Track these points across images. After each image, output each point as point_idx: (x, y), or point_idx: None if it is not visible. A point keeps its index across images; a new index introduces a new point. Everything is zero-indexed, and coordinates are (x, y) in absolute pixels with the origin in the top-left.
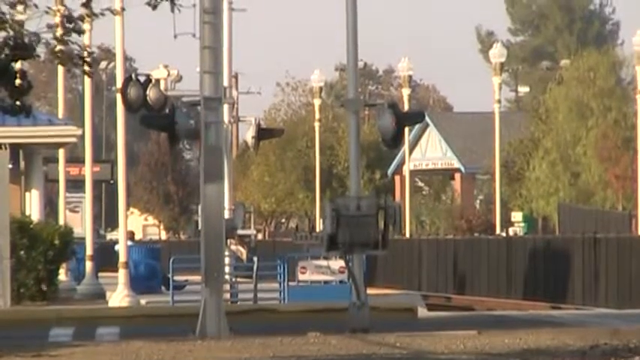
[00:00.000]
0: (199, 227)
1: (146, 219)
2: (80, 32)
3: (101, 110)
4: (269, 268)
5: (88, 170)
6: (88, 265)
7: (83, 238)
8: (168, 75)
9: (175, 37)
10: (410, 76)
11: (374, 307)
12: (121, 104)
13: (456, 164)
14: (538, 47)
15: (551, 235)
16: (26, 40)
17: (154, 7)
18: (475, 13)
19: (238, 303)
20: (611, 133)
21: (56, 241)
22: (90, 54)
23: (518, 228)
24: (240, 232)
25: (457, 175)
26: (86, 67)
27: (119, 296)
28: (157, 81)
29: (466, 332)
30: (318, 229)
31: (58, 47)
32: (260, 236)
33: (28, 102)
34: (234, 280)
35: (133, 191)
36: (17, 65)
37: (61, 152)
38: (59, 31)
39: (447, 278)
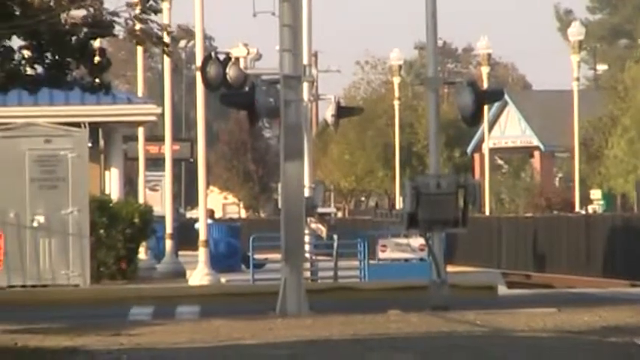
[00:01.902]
0: (279, 205)
1: (226, 197)
2: (157, 11)
3: (180, 89)
4: (349, 246)
5: (167, 149)
6: (168, 243)
7: (163, 217)
8: (248, 53)
9: (255, 15)
10: (489, 55)
11: (454, 285)
12: (201, 83)
13: (535, 142)
14: (616, 25)
15: (630, 213)
16: (105, 17)
17: None
18: None
19: (318, 281)
20: None
21: (136, 220)
22: (169, 33)
23: (597, 206)
24: (320, 210)
25: (536, 153)
26: (164, 47)
27: (199, 275)
28: (237, 59)
29: (546, 310)
30: (397, 207)
31: (138, 26)
32: (340, 214)
33: (107, 80)
34: (314, 258)
35: (212, 170)
36: (96, 43)
37: (141, 131)
38: (137, 10)
39: (526, 256)
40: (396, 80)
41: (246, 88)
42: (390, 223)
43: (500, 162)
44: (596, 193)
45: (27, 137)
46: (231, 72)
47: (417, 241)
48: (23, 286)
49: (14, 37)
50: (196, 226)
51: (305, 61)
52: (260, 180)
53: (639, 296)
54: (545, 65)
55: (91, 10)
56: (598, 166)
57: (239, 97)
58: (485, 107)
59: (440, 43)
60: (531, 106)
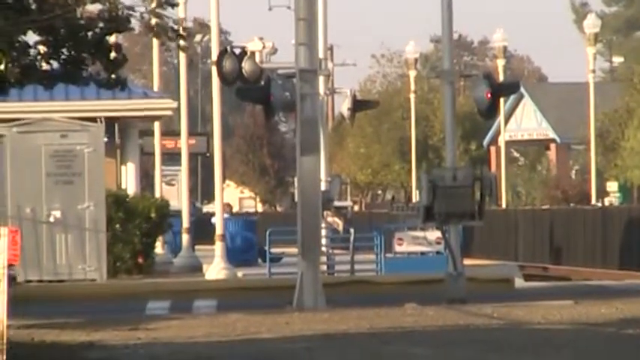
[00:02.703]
0: (295, 199)
1: (242, 192)
2: (173, 5)
3: (196, 83)
4: (365, 240)
5: (183, 143)
6: (185, 237)
7: (179, 211)
8: (264, 47)
9: (270, 9)
10: (505, 47)
11: (471, 278)
12: (217, 77)
13: (551, 135)
14: (632, 17)
15: None
16: (120, 12)
17: None
18: None
19: (335, 275)
20: None
21: (152, 214)
22: (185, 29)
23: (613, 198)
24: (336, 203)
25: (552, 146)
26: (181, 42)
27: (216, 269)
28: (252, 53)
29: (563, 302)
30: (414, 201)
31: (154, 20)
32: (356, 208)
33: (123, 75)
34: (330, 251)
35: (228, 164)
36: (112, 38)
37: (157, 125)
38: (153, 4)
39: (543, 248)
40: (412, 73)
41: (262, 83)
42: (406, 217)
43: (516, 155)
44: (612, 186)
45: (43, 132)
46: (246, 66)
47: (434, 235)
48: (40, 281)
49: (30, 33)
50: (213, 220)
51: (321, 54)
52: (276, 174)
53: None
54: (561, 58)
55: (107, 4)
56: (614, 158)
57: (255, 91)
58: (501, 100)
59: (455, 36)
60: (547, 98)
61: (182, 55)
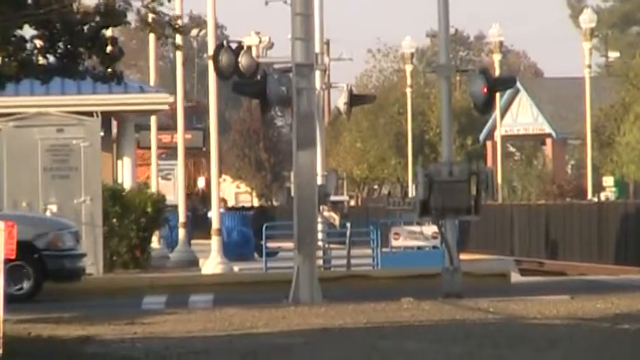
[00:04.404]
0: (292, 194)
1: (238, 186)
2: None
3: (192, 78)
4: (362, 234)
5: (180, 138)
6: (181, 232)
7: (176, 206)
8: (260, 42)
9: (267, 3)
10: (501, 42)
11: (467, 273)
12: (213, 71)
13: (547, 129)
14: (628, 13)
15: None
16: (117, 6)
17: None
18: None
19: (331, 269)
20: None
21: (148, 209)
22: (179, 27)
23: (609, 193)
24: (332, 198)
25: (548, 141)
26: (177, 38)
27: (212, 263)
28: (249, 48)
29: (559, 297)
30: (410, 195)
31: (150, 15)
32: (352, 202)
33: (119, 69)
34: (326, 246)
35: (224, 158)
36: (108, 32)
37: (153, 120)
38: None
39: (539, 243)
40: (408, 68)
41: (259, 77)
42: (402, 211)
43: (512, 149)
44: (608, 181)
45: (39, 127)
46: (243, 60)
47: (430, 229)
48: None
49: (26, 27)
50: (209, 215)
51: (317, 49)
52: (272, 168)
53: None
54: (557, 53)
55: None
56: (610, 153)
57: (251, 85)
58: (498, 95)
59: (452, 30)
60: (543, 93)
61: (178, 52)
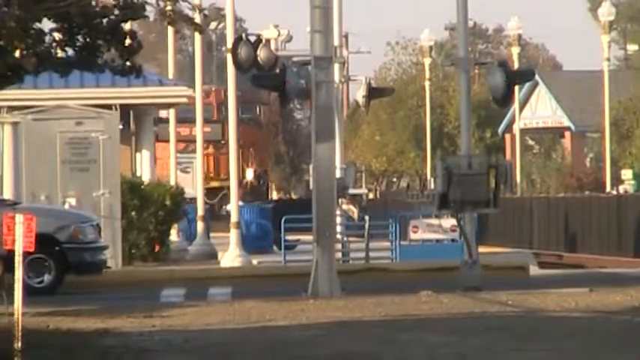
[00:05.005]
0: (310, 187)
1: None
2: None
3: (211, 71)
4: (380, 227)
5: (198, 130)
6: (200, 225)
7: (195, 199)
8: (279, 35)
9: None
10: (519, 35)
11: (486, 266)
12: (232, 64)
13: (566, 122)
14: None
15: None
16: (136, 0)
17: None
18: None
19: (350, 262)
20: None
21: (167, 202)
22: (201, 11)
23: (628, 186)
24: (351, 191)
25: (567, 134)
26: (196, 26)
27: (231, 256)
28: (268, 41)
29: (578, 290)
30: (429, 188)
31: (169, 7)
32: (371, 195)
33: (138, 62)
34: (345, 239)
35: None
36: (127, 26)
37: (172, 112)
38: None
39: (558, 236)
40: (427, 61)
41: (277, 70)
42: (421, 204)
43: (531, 142)
44: (627, 174)
45: (58, 120)
46: (262, 53)
47: (449, 222)
48: None
49: (45, 20)
50: (228, 207)
51: (336, 42)
52: (291, 161)
53: None
54: (576, 45)
55: None
56: (629, 146)
57: (270, 78)
58: (516, 88)
59: (470, 23)
60: (562, 86)
61: (197, 42)
